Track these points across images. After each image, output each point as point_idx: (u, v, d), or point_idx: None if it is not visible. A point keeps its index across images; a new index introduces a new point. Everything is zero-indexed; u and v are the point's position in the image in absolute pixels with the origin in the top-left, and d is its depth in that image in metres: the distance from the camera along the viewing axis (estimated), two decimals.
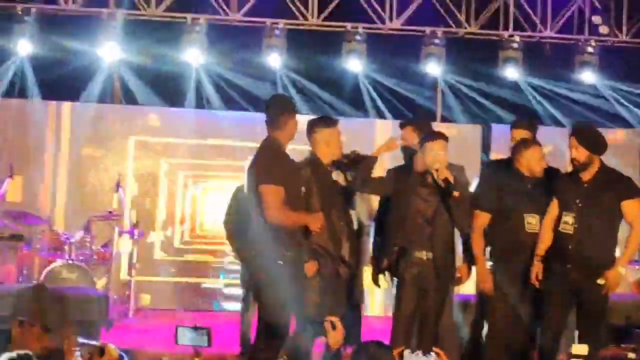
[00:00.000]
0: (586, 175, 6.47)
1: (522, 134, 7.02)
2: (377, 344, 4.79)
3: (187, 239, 11.86)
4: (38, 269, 9.77)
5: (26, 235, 10.02)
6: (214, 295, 11.62)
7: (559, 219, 6.50)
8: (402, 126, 7.19)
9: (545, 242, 6.55)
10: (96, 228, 10.28)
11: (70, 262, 9.58)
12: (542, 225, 6.59)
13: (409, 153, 6.92)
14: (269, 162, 5.99)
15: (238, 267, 10.93)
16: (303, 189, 6.37)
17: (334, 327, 4.81)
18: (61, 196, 11.60)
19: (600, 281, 6.38)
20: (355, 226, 7.12)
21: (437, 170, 6.40)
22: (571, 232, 6.44)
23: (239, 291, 10.94)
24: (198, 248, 11.83)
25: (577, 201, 6.45)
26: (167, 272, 11.63)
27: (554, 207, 6.54)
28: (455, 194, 6.39)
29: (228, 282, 11.48)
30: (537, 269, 6.52)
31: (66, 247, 9.73)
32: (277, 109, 6.15)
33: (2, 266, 9.68)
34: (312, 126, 6.70)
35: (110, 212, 10.36)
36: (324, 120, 6.90)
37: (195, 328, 4.52)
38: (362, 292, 7.45)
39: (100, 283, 9.84)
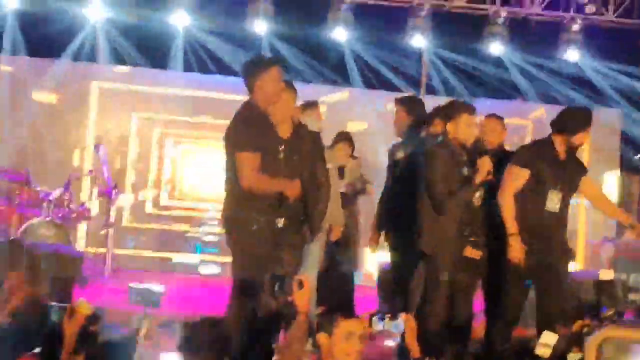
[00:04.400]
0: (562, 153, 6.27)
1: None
2: (341, 310, 4.79)
3: (163, 204, 11.81)
4: (16, 225, 9.79)
5: (5, 190, 10.03)
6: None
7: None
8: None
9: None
10: (75, 186, 10.31)
11: (48, 219, 9.61)
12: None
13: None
14: (242, 128, 5.96)
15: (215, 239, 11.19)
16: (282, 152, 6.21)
17: (301, 286, 4.49)
18: (38, 151, 11.61)
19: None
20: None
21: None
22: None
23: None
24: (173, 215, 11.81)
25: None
26: (137, 241, 11.62)
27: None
28: None
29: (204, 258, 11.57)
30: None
31: (45, 205, 9.73)
32: (246, 72, 6.08)
33: None
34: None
35: (90, 170, 10.42)
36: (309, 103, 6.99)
37: (147, 288, 4.46)
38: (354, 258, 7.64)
39: (77, 241, 9.85)
